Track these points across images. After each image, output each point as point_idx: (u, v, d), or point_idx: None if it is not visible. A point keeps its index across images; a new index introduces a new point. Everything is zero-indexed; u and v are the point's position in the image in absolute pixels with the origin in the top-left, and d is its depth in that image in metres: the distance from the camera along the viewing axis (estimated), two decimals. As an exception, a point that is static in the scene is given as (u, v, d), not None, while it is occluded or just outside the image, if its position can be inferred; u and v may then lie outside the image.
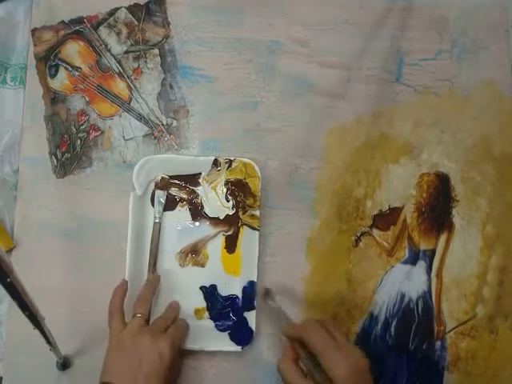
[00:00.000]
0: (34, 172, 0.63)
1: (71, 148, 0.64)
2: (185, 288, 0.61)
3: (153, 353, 0.51)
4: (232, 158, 0.62)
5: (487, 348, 0.61)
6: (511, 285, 0.62)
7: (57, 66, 0.66)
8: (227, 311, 0.60)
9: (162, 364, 0.51)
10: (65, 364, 0.58)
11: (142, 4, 0.67)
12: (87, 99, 0.65)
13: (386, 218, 0.64)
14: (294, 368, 0.49)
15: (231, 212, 0.62)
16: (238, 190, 0.62)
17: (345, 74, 0.67)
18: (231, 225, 0.62)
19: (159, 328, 0.54)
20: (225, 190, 0.62)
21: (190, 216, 0.62)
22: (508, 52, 0.68)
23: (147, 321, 0.55)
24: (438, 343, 0.61)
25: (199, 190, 0.62)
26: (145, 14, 0.67)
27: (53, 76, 0.65)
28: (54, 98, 0.65)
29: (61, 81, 0.65)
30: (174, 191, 0.62)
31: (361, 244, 0.63)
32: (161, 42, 0.66)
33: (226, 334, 0.59)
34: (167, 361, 0.51)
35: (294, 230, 0.63)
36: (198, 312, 0.60)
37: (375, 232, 0.63)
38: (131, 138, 0.65)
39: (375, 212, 0.64)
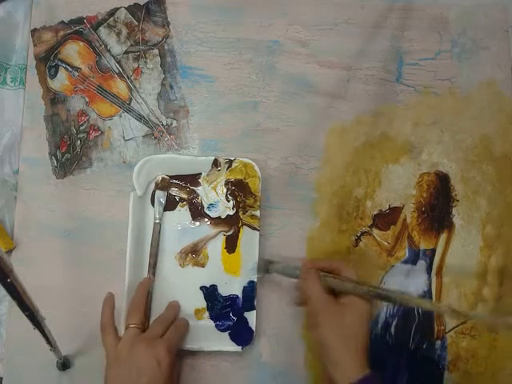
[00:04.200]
0: (34, 172, 0.63)
1: (71, 148, 0.64)
2: (185, 288, 0.61)
3: (150, 360, 0.50)
4: (232, 158, 0.62)
5: (487, 347, 0.61)
6: (511, 285, 0.62)
7: (57, 67, 0.66)
8: (227, 311, 0.60)
9: (160, 370, 0.50)
10: (65, 364, 0.58)
11: (141, 4, 0.67)
12: (87, 100, 0.65)
13: (386, 218, 0.64)
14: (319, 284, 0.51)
15: (231, 212, 0.62)
16: (238, 190, 0.62)
17: (345, 74, 0.67)
18: (231, 225, 0.62)
19: (155, 333, 0.54)
20: (225, 190, 0.62)
21: (190, 216, 0.62)
22: (508, 52, 0.68)
23: (142, 329, 0.54)
24: (438, 343, 0.61)
25: (199, 190, 0.62)
26: (144, 14, 0.67)
27: (53, 76, 0.65)
28: (54, 99, 0.65)
29: (61, 81, 0.65)
30: (174, 191, 0.62)
31: (361, 244, 0.63)
32: (160, 42, 0.66)
33: (226, 334, 0.59)
34: (166, 366, 0.50)
35: (293, 230, 0.63)
36: (198, 312, 0.60)
37: (375, 232, 0.63)
38: (131, 139, 0.65)
39: (375, 212, 0.64)
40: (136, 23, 0.67)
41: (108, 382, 0.51)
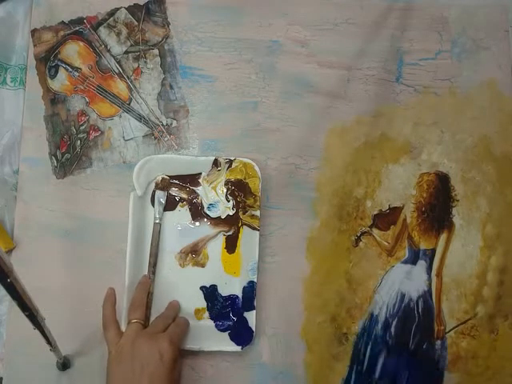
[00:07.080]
0: (34, 172, 0.63)
1: (71, 148, 0.64)
2: (185, 288, 0.61)
3: (153, 353, 0.50)
4: (232, 158, 0.62)
5: (487, 348, 0.61)
6: (511, 285, 0.62)
7: (57, 67, 0.66)
8: (227, 311, 0.60)
9: (163, 363, 0.50)
10: (65, 364, 0.58)
11: (141, 4, 0.67)
12: (87, 100, 0.65)
13: (386, 218, 0.64)
14: None
15: (231, 212, 0.62)
16: (238, 190, 0.62)
17: (345, 74, 0.67)
18: (231, 225, 0.62)
19: (157, 328, 0.54)
20: (225, 190, 0.62)
21: (190, 216, 0.62)
22: (508, 52, 0.68)
23: (144, 325, 0.55)
24: (438, 343, 0.61)
25: (199, 190, 0.62)
26: (144, 14, 0.67)
27: (53, 77, 0.65)
28: (54, 99, 0.65)
29: (61, 81, 0.65)
30: (174, 191, 0.62)
31: (361, 244, 0.63)
32: (160, 42, 0.66)
33: (225, 334, 0.59)
34: (168, 359, 0.51)
35: (293, 229, 0.63)
36: (198, 312, 0.60)
37: (375, 232, 0.63)
38: (131, 139, 0.65)
39: (375, 212, 0.64)
40: (136, 23, 0.67)
41: (111, 376, 0.51)
